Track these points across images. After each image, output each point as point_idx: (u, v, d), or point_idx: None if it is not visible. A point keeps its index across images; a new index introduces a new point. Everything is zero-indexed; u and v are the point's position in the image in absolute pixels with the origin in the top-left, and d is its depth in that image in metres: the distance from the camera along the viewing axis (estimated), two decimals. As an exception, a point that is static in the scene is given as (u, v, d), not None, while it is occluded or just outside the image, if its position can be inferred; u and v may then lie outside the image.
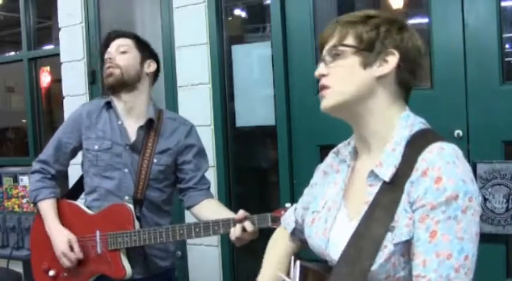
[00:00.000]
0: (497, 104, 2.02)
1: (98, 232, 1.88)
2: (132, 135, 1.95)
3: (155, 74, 2.07)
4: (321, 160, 2.38)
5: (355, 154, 1.17)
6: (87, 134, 1.97)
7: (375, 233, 0.98)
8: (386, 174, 1.01)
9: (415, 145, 1.01)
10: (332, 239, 1.08)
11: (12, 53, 4.05)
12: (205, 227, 1.74)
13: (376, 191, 1.02)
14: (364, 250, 0.98)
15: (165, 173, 1.96)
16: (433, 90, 2.13)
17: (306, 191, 1.29)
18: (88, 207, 1.98)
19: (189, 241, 2.74)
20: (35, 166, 2.04)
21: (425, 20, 2.19)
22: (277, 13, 2.45)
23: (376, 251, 0.97)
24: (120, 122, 1.96)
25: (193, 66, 2.67)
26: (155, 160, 1.93)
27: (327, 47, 1.11)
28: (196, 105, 2.66)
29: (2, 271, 3.03)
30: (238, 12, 2.83)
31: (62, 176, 2.10)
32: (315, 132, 2.41)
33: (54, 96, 3.61)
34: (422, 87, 2.24)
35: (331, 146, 2.69)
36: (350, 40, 1.08)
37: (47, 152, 2.03)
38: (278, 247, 1.31)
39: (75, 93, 3.11)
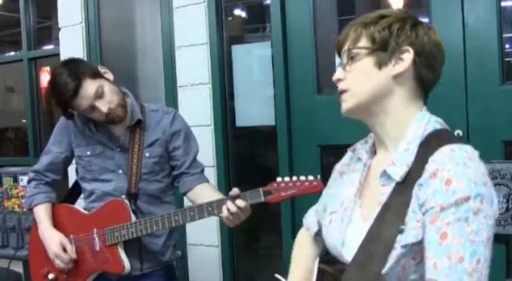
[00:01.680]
0: (497, 104, 2.02)
1: (95, 230, 1.90)
2: (121, 136, 1.96)
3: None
4: (321, 160, 2.42)
5: (372, 152, 1.16)
6: (77, 141, 1.99)
7: (386, 236, 0.96)
8: (398, 174, 1.00)
9: (428, 146, 1.00)
10: (347, 240, 1.08)
11: (12, 53, 4.04)
12: (200, 210, 1.74)
13: (389, 192, 1.01)
14: (375, 254, 0.97)
15: (160, 164, 1.97)
16: (433, 90, 2.13)
17: (324, 192, 1.29)
18: (87, 209, 1.99)
19: (189, 241, 2.74)
20: (30, 175, 2.06)
21: (425, 20, 2.16)
22: (277, 13, 2.45)
23: (387, 255, 0.95)
24: (107, 129, 1.96)
25: (193, 66, 2.66)
26: (147, 154, 1.94)
27: (342, 51, 1.11)
28: (196, 105, 2.66)
29: (2, 271, 3.03)
30: (238, 12, 2.83)
31: (57, 184, 2.10)
32: (315, 132, 2.41)
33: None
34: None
35: (331, 146, 2.70)
36: (363, 42, 1.07)
37: (40, 163, 2.06)
38: (303, 256, 1.32)
39: (75, 93, 3.11)
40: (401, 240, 0.94)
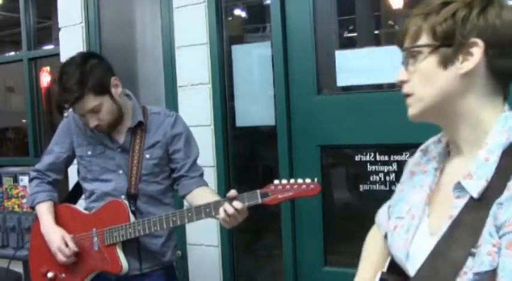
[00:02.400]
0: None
1: (94, 230, 1.91)
2: (122, 137, 1.97)
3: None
4: (321, 160, 2.42)
5: (446, 154, 1.03)
6: (79, 141, 2.01)
7: (455, 256, 0.86)
8: (475, 189, 0.87)
9: None
10: (411, 253, 0.98)
11: (12, 53, 4.04)
12: (197, 211, 1.75)
13: (461, 206, 0.89)
14: (441, 274, 0.87)
15: (159, 166, 1.98)
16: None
17: (398, 187, 1.17)
18: (87, 209, 2.00)
19: (189, 241, 2.74)
20: (32, 174, 2.08)
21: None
22: (277, 13, 2.45)
23: (454, 277, 0.85)
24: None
25: (193, 66, 2.66)
26: (147, 156, 1.95)
27: (403, 48, 0.98)
28: (196, 105, 2.66)
29: (2, 271, 3.03)
30: (238, 12, 2.83)
31: (58, 183, 2.12)
32: (315, 132, 2.41)
33: (54, 96, 3.60)
34: (422, 87, 2.24)
35: (331, 146, 2.70)
36: (424, 38, 0.94)
37: (42, 162, 2.08)
38: (375, 251, 1.21)
39: (75, 93, 3.11)
40: (475, 267, 0.84)
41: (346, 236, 2.51)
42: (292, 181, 1.68)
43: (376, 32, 2.68)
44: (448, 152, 1.03)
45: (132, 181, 1.94)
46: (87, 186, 2.02)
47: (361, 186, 2.34)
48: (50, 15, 3.69)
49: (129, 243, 1.90)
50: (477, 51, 0.89)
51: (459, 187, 0.90)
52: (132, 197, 1.93)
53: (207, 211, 1.73)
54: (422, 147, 1.11)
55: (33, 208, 2.04)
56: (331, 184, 2.52)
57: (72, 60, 1.92)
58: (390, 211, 1.15)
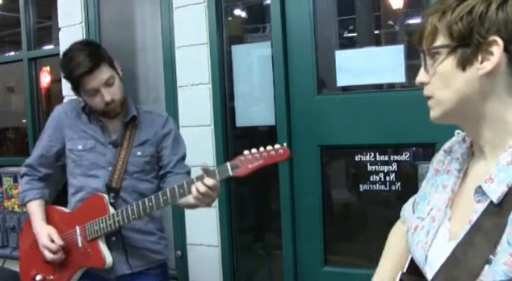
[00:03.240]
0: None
1: (77, 227, 1.92)
2: (114, 134, 1.97)
3: None
4: (321, 160, 2.42)
5: (470, 154, 0.99)
6: (70, 135, 1.99)
7: (472, 263, 0.83)
8: (495, 193, 0.83)
9: None
10: (430, 256, 0.95)
11: (12, 53, 4.04)
12: (172, 193, 1.73)
13: (481, 211, 0.85)
14: (458, 280, 0.84)
15: (150, 163, 1.99)
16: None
17: (423, 183, 1.13)
18: (74, 208, 1.98)
19: (189, 241, 2.74)
20: (23, 169, 2.07)
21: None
22: (277, 13, 2.45)
23: None
24: (101, 124, 1.97)
25: (193, 66, 2.66)
26: (139, 153, 1.96)
27: (421, 49, 0.94)
28: (196, 105, 2.66)
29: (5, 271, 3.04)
30: (238, 12, 2.83)
31: (50, 179, 2.10)
32: (315, 132, 2.41)
33: (54, 96, 3.60)
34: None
35: (331, 146, 2.70)
36: (441, 38, 0.90)
37: (33, 156, 2.06)
38: (397, 245, 1.18)
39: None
40: (489, 275, 0.80)
41: (346, 236, 2.51)
42: (261, 149, 1.64)
43: (376, 32, 2.68)
44: (472, 153, 0.99)
45: (115, 174, 1.92)
46: (75, 182, 1.99)
47: (361, 186, 2.34)
48: (50, 15, 3.69)
49: (115, 241, 1.91)
50: (497, 50, 0.85)
51: (480, 191, 0.87)
52: (112, 190, 1.91)
53: (181, 191, 1.71)
54: (445, 147, 1.07)
55: (23, 204, 2.04)
56: (331, 184, 2.53)
57: (74, 44, 1.93)
58: (414, 208, 1.12)
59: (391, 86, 2.32)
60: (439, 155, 1.08)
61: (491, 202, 0.84)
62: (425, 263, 0.96)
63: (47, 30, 3.89)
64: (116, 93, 1.89)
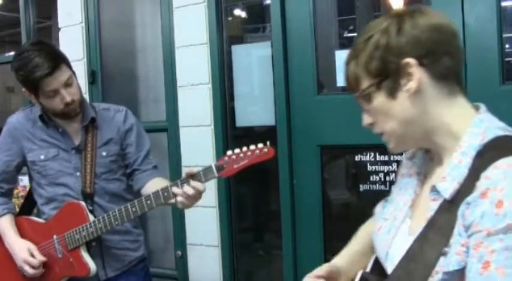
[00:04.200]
0: (497, 104, 2.01)
1: (55, 237, 1.87)
2: (76, 138, 1.93)
3: None
4: (321, 160, 2.42)
5: (428, 158, 1.05)
6: (29, 146, 1.93)
7: (427, 257, 0.88)
8: (448, 191, 0.89)
9: (485, 158, 0.87)
10: (391, 252, 1.01)
11: (12, 53, 4.04)
12: (156, 197, 1.71)
13: (436, 208, 0.91)
14: (414, 274, 0.89)
15: (117, 162, 1.97)
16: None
17: (394, 187, 1.20)
18: (48, 217, 1.94)
19: (189, 241, 2.74)
20: None
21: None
22: (277, 13, 2.45)
23: (426, 277, 0.87)
24: (61, 130, 1.93)
25: (193, 66, 2.66)
26: (104, 153, 1.93)
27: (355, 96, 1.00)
28: (196, 105, 2.66)
29: None
30: (238, 12, 2.83)
31: (12, 192, 2.07)
32: (315, 132, 2.41)
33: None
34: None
35: (331, 146, 2.70)
36: (364, 80, 0.97)
37: None
38: (363, 238, 1.24)
39: (75, 93, 3.11)
40: (445, 266, 0.86)
41: (346, 236, 2.51)
42: (244, 148, 1.63)
43: (376, 32, 2.67)
44: (430, 157, 1.05)
45: (86, 180, 1.89)
46: (43, 192, 1.94)
47: (361, 186, 2.34)
48: (50, 15, 3.69)
49: (95, 246, 1.88)
50: (413, 69, 0.91)
51: (434, 190, 0.92)
52: (88, 196, 1.89)
53: (165, 195, 1.69)
54: (408, 154, 1.13)
55: None
56: (331, 184, 2.52)
57: (27, 45, 1.87)
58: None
59: (391, 86, 2.32)
60: (404, 161, 1.14)
61: (445, 199, 0.90)
62: (386, 259, 1.01)
63: (47, 30, 3.89)
64: (75, 93, 1.84)
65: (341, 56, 2.36)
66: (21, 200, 3.28)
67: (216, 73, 2.61)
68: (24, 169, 2.04)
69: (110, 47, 3.09)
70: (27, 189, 2.08)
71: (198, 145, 2.64)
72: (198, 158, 2.63)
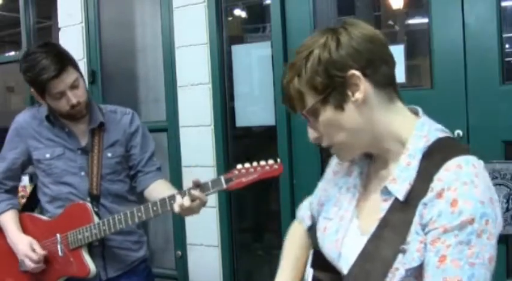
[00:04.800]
0: (497, 104, 2.02)
1: (58, 235, 1.88)
2: (82, 139, 1.94)
3: None
4: (321, 159, 2.42)
5: (368, 158, 1.08)
6: (35, 145, 1.94)
7: (384, 255, 0.92)
8: (400, 192, 0.94)
9: (432, 159, 0.93)
10: (344, 252, 1.03)
11: (12, 53, 4.05)
12: (162, 204, 1.71)
13: (387, 208, 0.95)
14: (372, 273, 0.93)
15: (122, 163, 1.97)
16: (433, 90, 2.13)
17: (320, 184, 1.23)
18: (53, 215, 1.94)
19: (189, 241, 2.74)
20: None
21: (425, 20, 2.19)
22: (277, 13, 2.45)
23: (384, 274, 0.91)
24: (67, 130, 1.94)
25: (193, 66, 2.66)
26: (109, 154, 1.94)
27: (300, 113, 1.02)
28: (196, 105, 2.66)
29: None
30: (238, 12, 2.83)
31: (16, 190, 2.08)
32: (315, 132, 2.41)
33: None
34: (422, 88, 2.24)
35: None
36: (309, 97, 0.97)
37: None
38: (295, 245, 1.27)
39: (75, 93, 3.11)
40: (406, 263, 0.90)
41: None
42: (255, 163, 1.66)
43: (376, 32, 2.67)
44: (370, 157, 1.07)
45: (93, 182, 1.90)
46: (47, 191, 1.95)
47: (361, 186, 2.34)
48: (50, 15, 3.69)
49: (97, 247, 1.88)
50: (358, 79, 0.93)
51: (386, 191, 0.96)
52: (94, 198, 1.90)
53: (171, 202, 1.69)
54: None
55: None
56: (331, 184, 2.52)
57: (34, 47, 1.86)
58: (317, 210, 1.18)
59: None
60: (336, 159, 1.16)
61: (396, 199, 0.94)
62: (339, 260, 1.03)
63: (47, 30, 3.89)
64: (81, 95, 1.85)
65: (341, 56, 2.36)
66: (22, 200, 3.29)
67: (216, 73, 2.61)
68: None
69: (110, 47, 3.09)
70: (27, 189, 2.08)
71: (198, 144, 2.64)
72: (198, 158, 2.63)
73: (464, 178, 0.88)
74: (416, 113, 1.03)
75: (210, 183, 1.67)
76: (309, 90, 0.97)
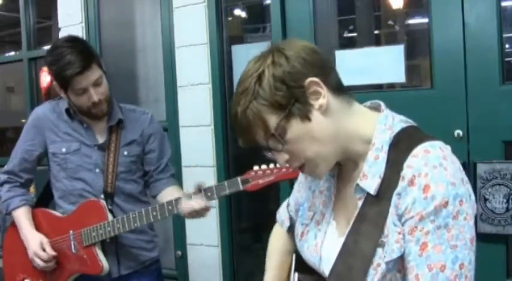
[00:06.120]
0: (497, 104, 2.02)
1: (71, 232, 1.88)
2: (100, 136, 1.94)
3: None
4: (321, 160, 2.41)
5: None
6: (52, 138, 1.93)
7: (364, 249, 0.92)
8: (372, 187, 0.94)
9: (399, 149, 0.93)
10: (324, 255, 1.02)
11: (12, 53, 4.05)
12: (178, 204, 1.74)
13: (361, 204, 0.95)
14: (354, 268, 0.92)
15: (137, 163, 1.98)
16: (433, 90, 2.13)
17: (296, 186, 1.22)
18: (65, 211, 1.94)
19: (189, 241, 2.74)
20: (2, 177, 2.00)
21: (425, 20, 2.19)
22: (277, 13, 2.45)
23: (367, 268, 0.91)
24: (85, 125, 1.93)
25: (193, 66, 2.66)
26: (125, 152, 1.93)
27: (261, 141, 0.97)
28: (196, 105, 2.66)
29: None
30: (238, 12, 2.83)
31: (31, 184, 2.07)
32: (315, 132, 2.41)
33: (54, 96, 3.60)
34: (422, 88, 2.24)
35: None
36: (272, 117, 0.93)
37: (12, 162, 1.99)
38: (278, 248, 1.27)
39: (75, 93, 3.11)
40: (386, 256, 0.90)
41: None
42: (271, 165, 1.67)
43: (376, 32, 2.68)
44: (341, 162, 1.05)
45: (108, 179, 1.90)
46: (60, 185, 1.94)
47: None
48: (50, 15, 3.69)
49: (109, 244, 1.88)
50: (318, 85, 0.93)
51: (358, 189, 0.96)
52: (108, 196, 1.90)
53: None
54: None
55: (7, 213, 1.98)
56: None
57: (61, 41, 1.86)
58: (294, 214, 1.19)
59: (391, 86, 2.31)
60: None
61: (369, 194, 0.94)
62: (320, 263, 1.03)
63: (47, 30, 3.89)
64: (104, 93, 1.85)
65: (341, 56, 2.36)
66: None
67: (216, 73, 2.61)
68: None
69: (110, 47, 3.09)
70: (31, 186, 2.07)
71: (198, 144, 2.64)
72: (198, 158, 2.63)
73: (433, 161, 0.88)
74: (377, 109, 1.03)
75: (226, 184, 1.68)
76: (271, 110, 0.93)
